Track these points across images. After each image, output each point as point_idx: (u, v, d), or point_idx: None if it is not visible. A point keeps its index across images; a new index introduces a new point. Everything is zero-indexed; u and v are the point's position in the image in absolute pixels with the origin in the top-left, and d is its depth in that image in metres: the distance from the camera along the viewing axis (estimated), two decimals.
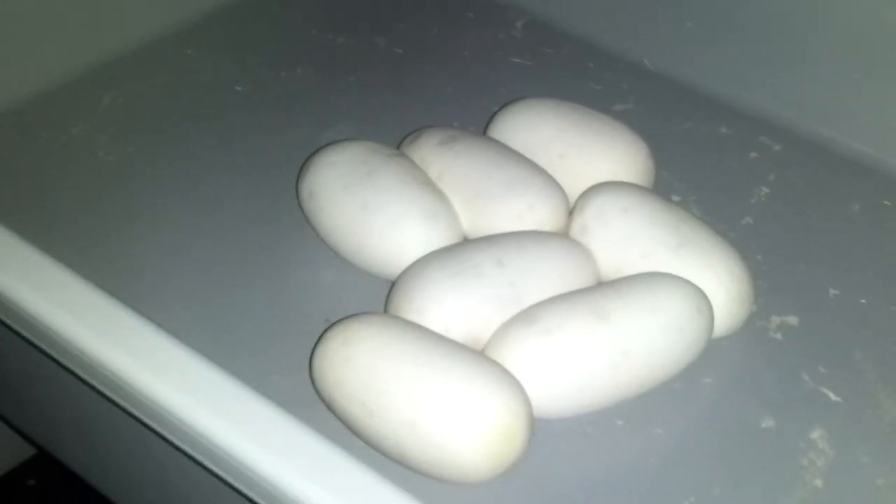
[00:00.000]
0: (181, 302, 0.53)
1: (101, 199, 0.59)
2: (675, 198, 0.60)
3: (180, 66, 0.69)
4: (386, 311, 0.50)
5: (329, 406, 0.46)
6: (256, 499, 0.35)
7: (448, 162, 0.55)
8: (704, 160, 0.64)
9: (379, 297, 0.52)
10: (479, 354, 0.46)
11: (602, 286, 0.50)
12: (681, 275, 0.50)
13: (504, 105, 0.60)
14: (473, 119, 0.64)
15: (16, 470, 0.80)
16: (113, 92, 0.66)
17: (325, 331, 0.47)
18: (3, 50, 0.63)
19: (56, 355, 0.38)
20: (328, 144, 0.56)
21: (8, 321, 0.40)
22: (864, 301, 0.55)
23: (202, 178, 0.60)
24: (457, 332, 0.48)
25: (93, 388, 0.38)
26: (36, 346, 0.39)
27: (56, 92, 0.65)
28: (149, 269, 0.54)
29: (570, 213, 0.54)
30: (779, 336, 0.53)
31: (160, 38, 0.70)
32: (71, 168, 0.61)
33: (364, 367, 0.44)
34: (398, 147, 0.58)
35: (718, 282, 0.50)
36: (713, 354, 0.51)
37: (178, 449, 0.36)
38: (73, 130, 0.63)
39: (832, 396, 0.50)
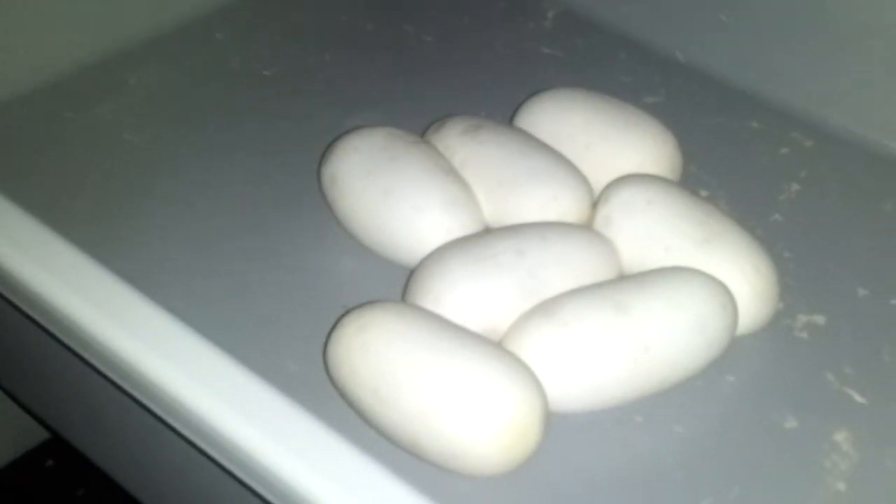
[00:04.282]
0: (198, 283, 0.52)
1: (124, 178, 0.59)
2: (704, 192, 0.59)
3: (208, 49, 0.69)
4: (403, 298, 0.50)
5: (342, 394, 0.45)
6: (259, 489, 0.34)
7: (471, 151, 0.55)
8: (734, 155, 0.63)
9: (398, 284, 0.51)
10: (495, 345, 0.45)
11: (624, 279, 0.49)
12: (706, 270, 0.49)
13: (531, 95, 0.59)
14: (501, 109, 0.63)
15: (34, 451, 0.80)
16: (139, 73, 0.66)
17: (341, 317, 0.46)
18: (32, 29, 0.63)
19: (62, 336, 0.38)
20: (352, 130, 0.56)
21: (17, 302, 0.40)
22: (893, 302, 0.54)
23: (225, 160, 0.60)
24: (474, 322, 0.47)
25: (97, 370, 0.37)
26: (46, 330, 0.39)
27: (83, 72, 0.65)
28: (167, 250, 0.54)
29: (595, 204, 0.53)
30: (805, 335, 0.52)
31: (189, 20, 0.70)
32: (95, 148, 0.60)
33: (378, 354, 0.44)
34: (423, 135, 0.58)
35: (744, 278, 0.49)
36: (736, 352, 0.50)
37: (182, 437, 0.36)
38: (99, 111, 0.63)
39: (857, 398, 0.49)
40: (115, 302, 0.38)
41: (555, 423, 0.45)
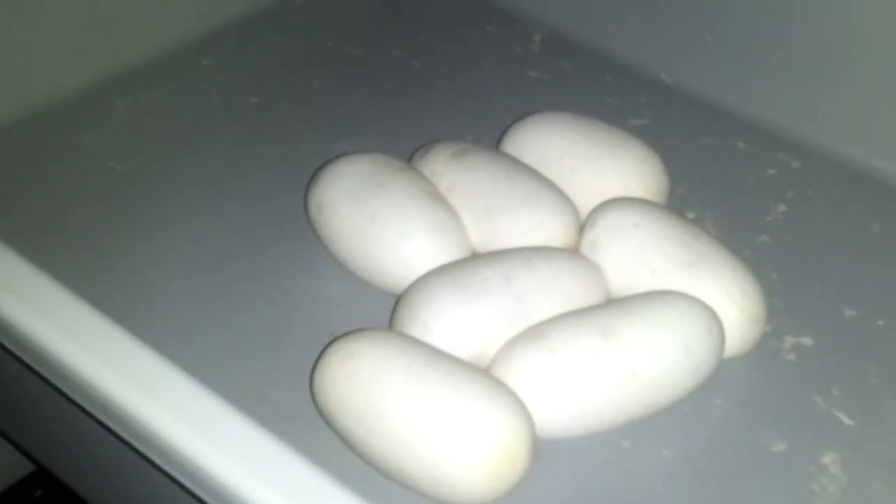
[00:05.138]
0: (184, 312, 0.52)
1: (110, 207, 0.58)
2: (691, 214, 0.60)
3: (195, 76, 0.69)
4: (390, 326, 0.50)
5: (329, 423, 0.45)
6: None
7: (458, 176, 0.55)
8: (721, 176, 0.63)
9: (385, 311, 0.51)
10: (482, 372, 0.45)
11: (610, 304, 0.49)
12: (692, 293, 0.49)
13: (518, 119, 0.59)
14: (488, 133, 0.63)
15: (23, 481, 0.80)
16: (127, 101, 0.66)
17: (328, 345, 0.46)
18: (19, 57, 0.63)
19: (42, 371, 0.38)
20: (338, 156, 0.56)
21: None
22: (881, 323, 0.54)
23: (213, 188, 0.60)
24: (462, 349, 0.47)
25: (78, 404, 0.37)
26: (25, 364, 0.39)
27: (70, 100, 0.65)
28: (152, 278, 0.54)
29: (581, 228, 0.53)
30: (792, 357, 0.52)
31: (176, 48, 0.70)
32: (81, 176, 0.60)
33: (365, 383, 0.44)
34: (409, 160, 0.58)
35: (730, 300, 0.49)
36: (724, 375, 0.50)
37: (164, 472, 0.36)
38: (86, 139, 0.63)
39: (845, 420, 0.49)
40: (96, 336, 0.38)
41: (542, 449, 0.45)
